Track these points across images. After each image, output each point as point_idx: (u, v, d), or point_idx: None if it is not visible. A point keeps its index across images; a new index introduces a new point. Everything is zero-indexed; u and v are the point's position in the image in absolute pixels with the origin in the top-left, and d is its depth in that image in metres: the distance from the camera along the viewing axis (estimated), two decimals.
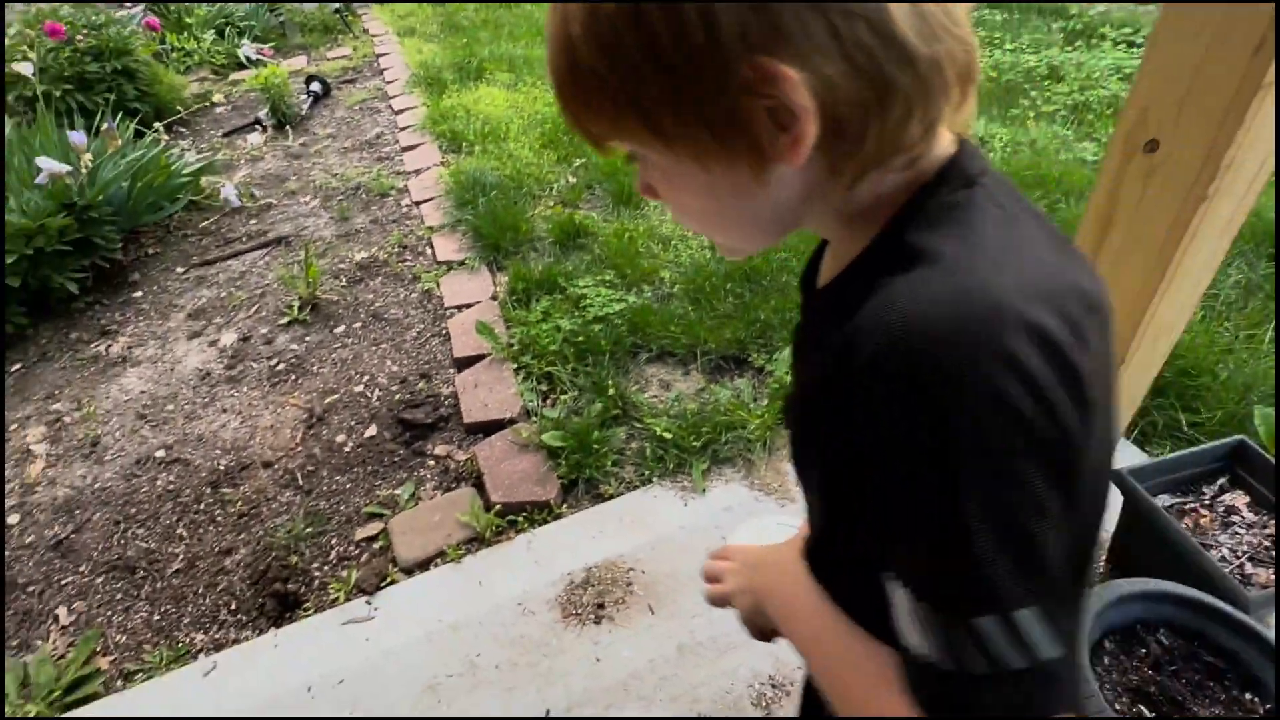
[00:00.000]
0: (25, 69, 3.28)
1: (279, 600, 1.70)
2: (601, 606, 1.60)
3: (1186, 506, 1.49)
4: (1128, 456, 1.77)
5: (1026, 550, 0.34)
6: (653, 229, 2.72)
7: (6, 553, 1.89)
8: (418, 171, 3.47)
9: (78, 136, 2.71)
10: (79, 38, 3.67)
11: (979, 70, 0.41)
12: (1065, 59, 3.67)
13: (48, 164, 2.51)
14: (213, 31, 5.15)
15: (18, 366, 2.50)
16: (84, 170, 2.67)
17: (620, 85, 0.38)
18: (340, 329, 2.54)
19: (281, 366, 2.39)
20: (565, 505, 1.83)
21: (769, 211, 0.44)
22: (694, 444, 1.91)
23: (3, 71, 3.37)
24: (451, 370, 2.30)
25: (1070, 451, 0.34)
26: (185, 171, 3.27)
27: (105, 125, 3.03)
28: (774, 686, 1.43)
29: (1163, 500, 1.48)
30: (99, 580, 1.80)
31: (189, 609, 1.72)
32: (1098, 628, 1.26)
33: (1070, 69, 3.58)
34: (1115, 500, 1.51)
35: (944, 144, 0.43)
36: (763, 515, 1.17)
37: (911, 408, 0.33)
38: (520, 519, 1.79)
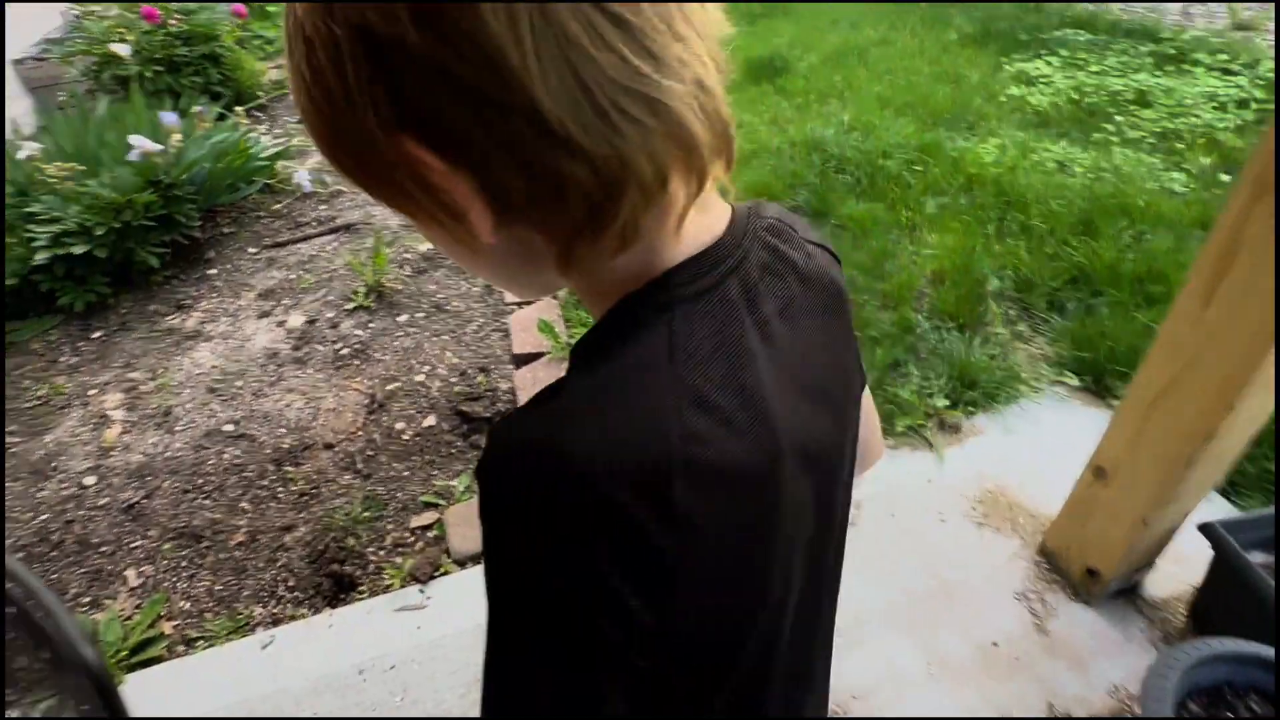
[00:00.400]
0: (123, 50, 3.44)
1: (335, 581, 1.73)
2: None
3: None
4: (1214, 509, 1.68)
5: (546, 692, 0.37)
6: None
7: (82, 511, 1.97)
8: None
9: (170, 118, 2.82)
10: (171, 22, 3.83)
11: (704, 165, 0.36)
12: (1154, 84, 3.53)
13: (140, 142, 2.62)
14: None
15: (99, 334, 2.61)
16: (173, 150, 2.78)
17: (310, 123, 0.36)
18: (403, 317, 2.59)
19: (345, 351, 2.44)
20: None
21: (500, 272, 0.42)
22: None
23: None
24: (510, 366, 2.31)
25: (618, 623, 0.35)
26: (262, 155, 3.38)
27: (197, 108, 3.15)
28: None
29: (1256, 557, 1.39)
30: (166, 546, 1.86)
31: (249, 582, 1.76)
32: (1183, 685, 1.19)
33: (1159, 94, 3.43)
34: (1202, 552, 1.43)
35: (677, 240, 0.39)
36: None
37: (483, 528, 0.36)
38: None
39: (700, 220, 0.40)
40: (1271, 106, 3.22)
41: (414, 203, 0.36)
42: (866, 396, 0.60)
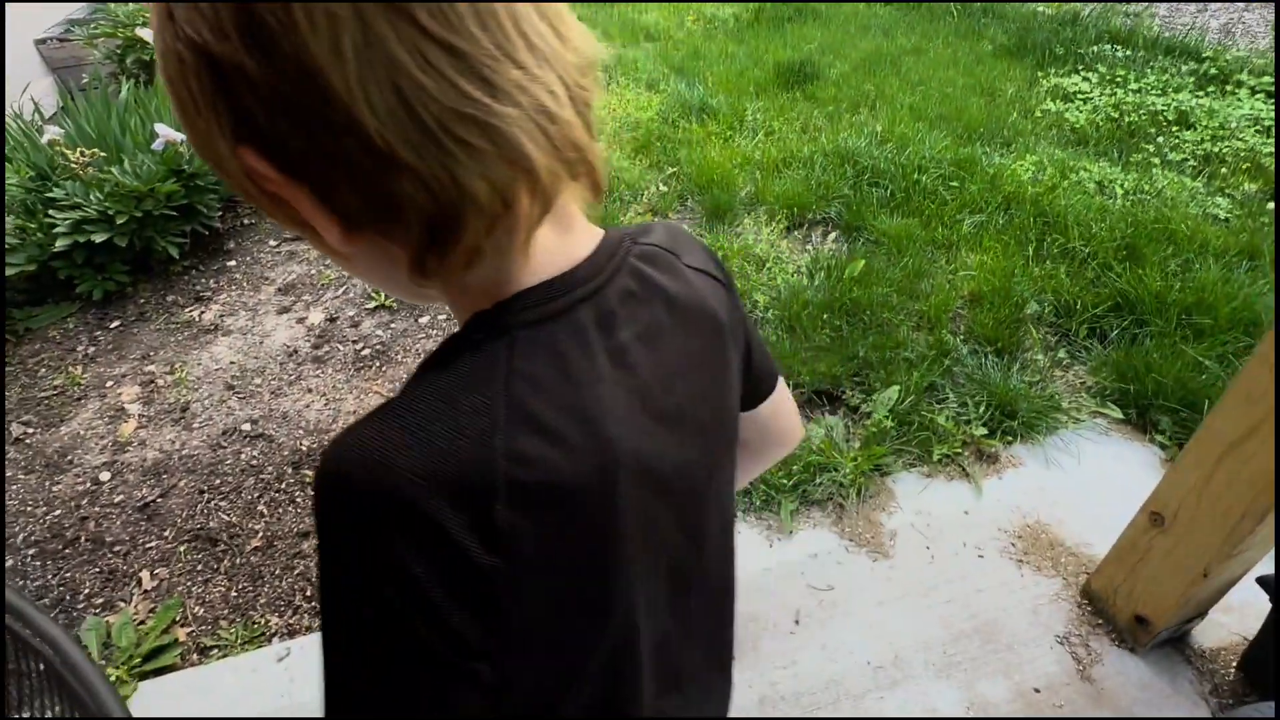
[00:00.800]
0: (148, 34, 3.40)
1: None
2: None
3: None
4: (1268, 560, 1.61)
5: (381, 689, 0.37)
6: (748, 249, 2.65)
7: (96, 508, 1.93)
8: None
9: None
10: None
11: (548, 190, 0.36)
12: (1196, 105, 3.44)
13: (165, 131, 2.58)
14: None
15: (117, 324, 2.57)
16: None
17: (182, 128, 0.38)
18: (425, 319, 2.54)
19: (366, 351, 2.40)
20: None
21: (371, 278, 0.44)
22: (783, 481, 1.83)
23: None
24: None
25: (444, 636, 0.36)
26: None
27: None
28: None
29: None
30: (182, 548, 1.82)
31: (265, 589, 1.72)
32: None
33: (1201, 116, 3.35)
34: (1253, 602, 1.37)
35: (527, 262, 0.40)
36: None
37: (316, 536, 0.37)
38: None
39: (560, 243, 0.42)
40: None
41: (267, 210, 0.38)
42: (781, 387, 0.65)
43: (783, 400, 0.66)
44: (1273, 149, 3.06)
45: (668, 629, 0.51)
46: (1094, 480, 1.85)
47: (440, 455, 0.35)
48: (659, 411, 0.44)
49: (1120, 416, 1.98)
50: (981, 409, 1.99)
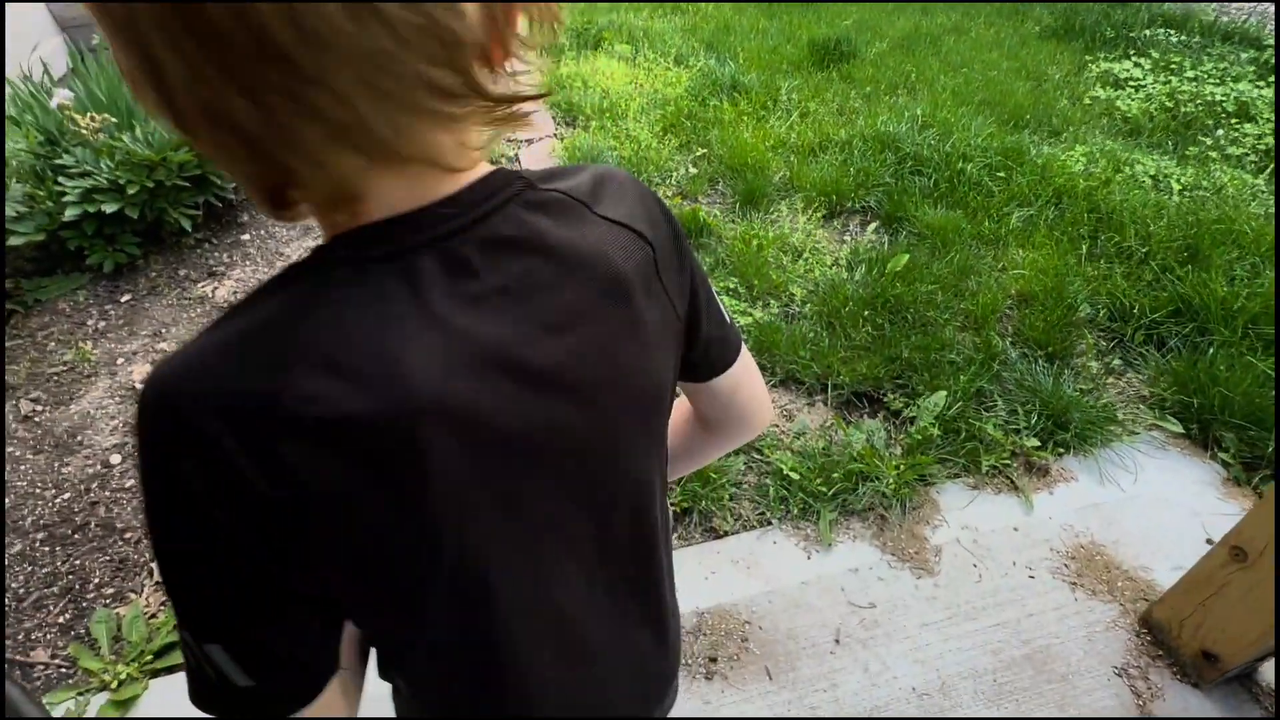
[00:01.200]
0: None
1: None
2: (714, 660, 1.46)
3: None
4: None
5: (200, 600, 0.41)
6: (783, 237, 2.52)
7: (107, 493, 1.87)
8: (530, 141, 3.34)
9: None
10: None
11: (382, 144, 0.35)
12: (1257, 95, 3.26)
13: None
14: None
15: (128, 297, 2.49)
16: None
17: None
18: None
19: None
20: (675, 535, 1.70)
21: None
22: (822, 489, 1.74)
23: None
24: None
25: (242, 559, 0.38)
26: None
27: None
28: None
29: None
30: None
31: None
32: None
33: (1263, 107, 3.17)
34: None
35: (363, 206, 0.39)
36: None
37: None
38: None
39: (415, 186, 0.39)
40: None
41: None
42: (745, 362, 0.61)
43: (746, 376, 0.62)
44: None
45: (565, 599, 0.50)
46: (1152, 498, 1.75)
47: (230, 385, 0.36)
48: (521, 368, 0.42)
49: (1180, 431, 1.87)
50: (1032, 418, 1.88)
